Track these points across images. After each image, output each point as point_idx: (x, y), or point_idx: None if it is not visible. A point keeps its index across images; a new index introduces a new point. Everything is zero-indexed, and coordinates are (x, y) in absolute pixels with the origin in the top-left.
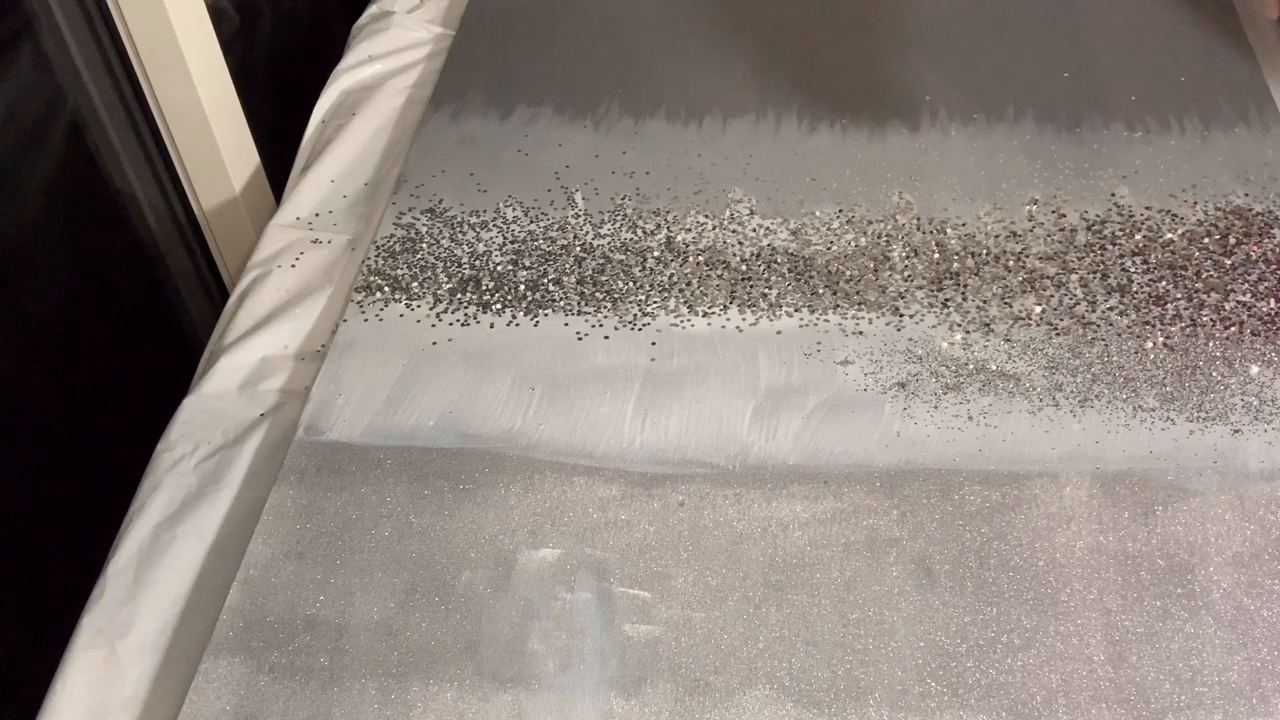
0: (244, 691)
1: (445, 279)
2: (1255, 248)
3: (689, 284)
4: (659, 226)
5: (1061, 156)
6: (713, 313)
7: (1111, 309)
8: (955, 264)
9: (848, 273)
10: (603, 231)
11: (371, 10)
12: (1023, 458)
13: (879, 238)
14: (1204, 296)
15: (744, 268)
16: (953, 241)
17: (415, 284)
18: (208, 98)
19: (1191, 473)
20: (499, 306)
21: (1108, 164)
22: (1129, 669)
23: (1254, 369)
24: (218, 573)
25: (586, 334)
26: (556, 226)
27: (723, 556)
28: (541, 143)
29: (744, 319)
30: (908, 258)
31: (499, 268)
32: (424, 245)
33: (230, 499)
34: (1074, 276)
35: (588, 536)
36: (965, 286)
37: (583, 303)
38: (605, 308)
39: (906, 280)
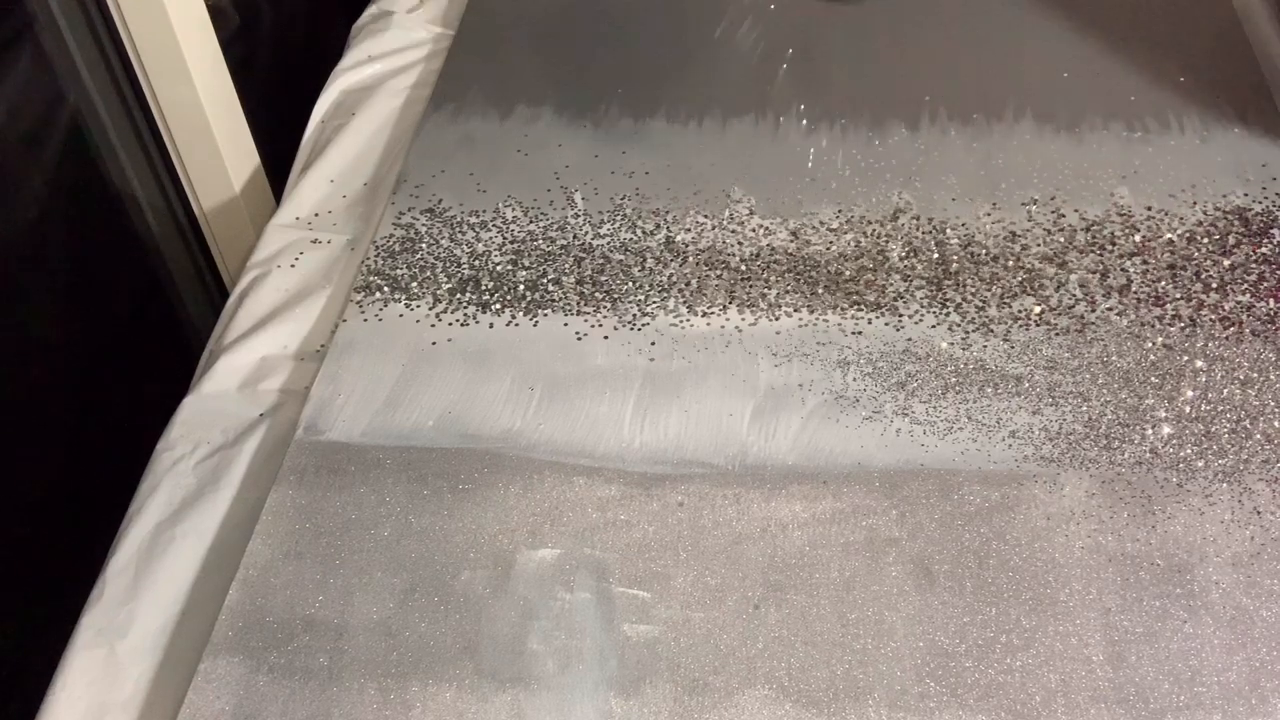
0: (243, 691)
1: (445, 279)
2: (1255, 248)
3: (688, 284)
4: (658, 226)
5: (1061, 156)
6: (712, 313)
7: (1111, 309)
8: (954, 264)
9: (847, 273)
10: (602, 232)
11: (371, 10)
12: (1022, 457)
13: (879, 238)
14: (1203, 297)
15: (743, 268)
16: (952, 241)
17: (415, 284)
18: (208, 98)
19: (1190, 473)
20: (498, 306)
21: (1107, 164)
22: (1128, 669)
23: (1253, 370)
24: (217, 573)
25: (586, 334)
26: (556, 226)
27: (722, 556)
28: (541, 143)
29: (743, 319)
30: (907, 258)
31: (498, 268)
32: (423, 245)
33: (229, 499)
34: (1073, 277)
35: (587, 536)
36: (965, 286)
37: (582, 303)
38: (605, 308)
39: (906, 280)
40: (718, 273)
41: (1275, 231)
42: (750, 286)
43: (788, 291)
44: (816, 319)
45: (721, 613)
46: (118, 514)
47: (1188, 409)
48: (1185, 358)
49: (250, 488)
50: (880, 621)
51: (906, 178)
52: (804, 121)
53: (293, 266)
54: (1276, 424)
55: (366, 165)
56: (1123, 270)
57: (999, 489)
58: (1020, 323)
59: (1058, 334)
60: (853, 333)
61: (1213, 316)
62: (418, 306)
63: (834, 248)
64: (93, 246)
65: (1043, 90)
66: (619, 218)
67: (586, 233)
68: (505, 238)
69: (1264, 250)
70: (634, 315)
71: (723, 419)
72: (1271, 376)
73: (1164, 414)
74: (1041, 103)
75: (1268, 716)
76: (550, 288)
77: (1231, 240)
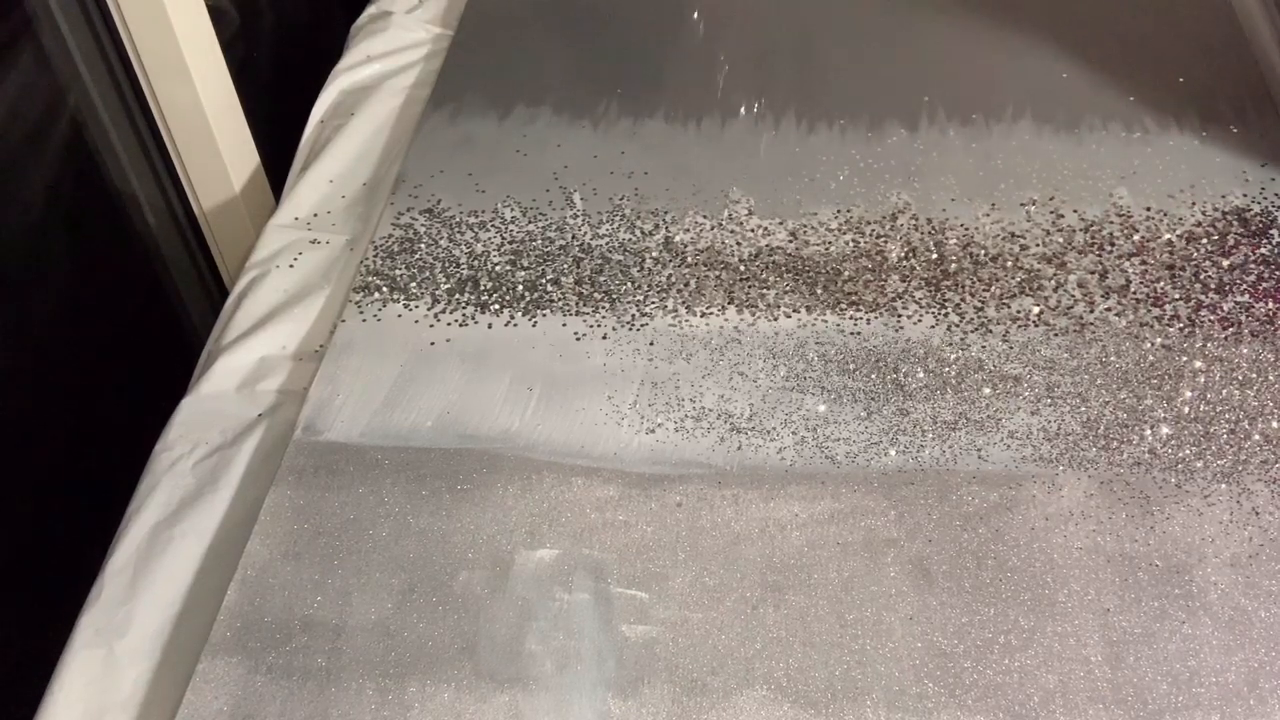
0: (241, 692)
1: (443, 279)
2: (1254, 249)
3: (687, 284)
4: (657, 227)
5: (1060, 157)
6: (711, 313)
7: (1110, 310)
8: (953, 265)
9: (846, 273)
10: (601, 232)
11: (370, 10)
12: (1020, 458)
13: (877, 238)
14: (1202, 297)
15: (742, 268)
16: (951, 242)
17: (413, 284)
18: (208, 98)
19: (1189, 473)
20: (497, 307)
21: (1106, 165)
22: (1126, 669)
23: (1252, 371)
24: (215, 573)
25: (585, 334)
26: (555, 227)
27: (720, 557)
28: (540, 143)
29: (742, 319)
30: (906, 258)
31: (497, 268)
32: (422, 245)
33: (228, 499)
34: (1072, 277)
35: (585, 537)
36: (963, 287)
37: (581, 303)
38: (603, 308)
39: (904, 281)
40: (716, 273)
41: (1274, 232)
42: (749, 287)
43: (786, 292)
44: (815, 319)
45: (720, 613)
46: (116, 514)
47: (1186, 409)
48: (1184, 358)
49: (249, 488)
50: (879, 622)
51: (905, 178)
52: (803, 122)
53: (291, 267)
54: (1275, 425)
55: (365, 165)
56: (1122, 271)
57: (997, 489)
58: (1019, 323)
59: (1056, 334)
60: (851, 333)
61: (1211, 317)
62: (416, 307)
63: (833, 248)
64: (93, 246)
65: (1042, 90)
66: (618, 218)
67: (585, 233)
68: (504, 238)
69: (1263, 251)
70: (633, 315)
71: (720, 419)
72: (1270, 377)
73: (1162, 414)
74: (1041, 103)
75: (1266, 717)
76: (549, 288)
77: (1230, 241)
